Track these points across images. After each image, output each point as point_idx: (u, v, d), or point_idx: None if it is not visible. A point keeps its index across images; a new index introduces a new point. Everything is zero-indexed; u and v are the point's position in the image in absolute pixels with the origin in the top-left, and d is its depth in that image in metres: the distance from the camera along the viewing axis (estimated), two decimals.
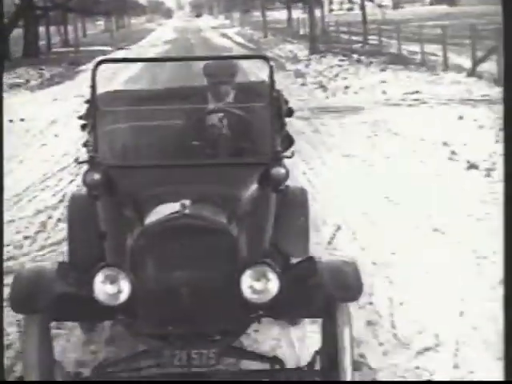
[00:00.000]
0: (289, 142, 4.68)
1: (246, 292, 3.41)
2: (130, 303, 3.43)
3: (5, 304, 3.70)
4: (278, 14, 68.80)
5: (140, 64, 24.61)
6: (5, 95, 17.85)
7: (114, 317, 3.56)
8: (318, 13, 40.46)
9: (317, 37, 31.92)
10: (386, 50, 27.06)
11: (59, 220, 7.46)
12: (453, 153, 9.62)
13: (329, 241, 6.54)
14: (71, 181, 9.27)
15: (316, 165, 9.72)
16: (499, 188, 7.58)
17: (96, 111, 4.24)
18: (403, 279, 5.55)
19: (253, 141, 4.44)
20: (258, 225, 3.89)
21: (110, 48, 41.20)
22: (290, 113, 4.92)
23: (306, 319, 4.53)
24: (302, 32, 43.12)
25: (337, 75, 20.73)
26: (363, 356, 4.26)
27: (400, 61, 23.00)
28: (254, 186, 4.00)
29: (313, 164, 9.73)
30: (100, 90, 4.42)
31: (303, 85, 19.10)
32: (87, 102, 4.58)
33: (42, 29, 41.88)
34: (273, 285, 3.42)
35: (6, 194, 8.39)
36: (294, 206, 4.50)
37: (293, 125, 5.01)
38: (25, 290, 3.49)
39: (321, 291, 3.47)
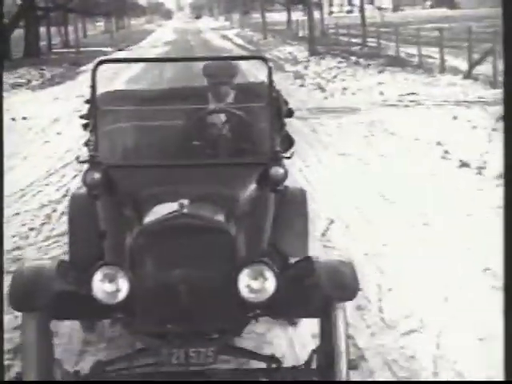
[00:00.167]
0: (289, 142, 4.70)
1: (244, 291, 3.42)
2: (128, 302, 3.42)
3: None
4: (278, 16, 68.89)
5: (141, 64, 24.78)
6: (6, 94, 18.09)
7: (112, 315, 3.55)
8: (317, 15, 40.66)
9: (316, 39, 32.07)
10: (384, 53, 27.09)
11: (63, 213, 7.55)
12: (446, 152, 9.82)
13: (322, 233, 6.72)
14: (74, 176, 9.39)
15: (312, 162, 9.87)
16: (489, 185, 7.86)
17: (96, 111, 4.25)
18: (393, 269, 5.72)
19: (252, 141, 4.46)
20: (256, 224, 3.90)
21: (110, 49, 41.26)
22: (290, 113, 4.94)
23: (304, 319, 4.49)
24: (301, 34, 43.13)
25: (335, 77, 20.88)
26: (351, 337, 4.33)
27: (398, 63, 23.09)
28: (253, 186, 4.02)
29: (309, 162, 9.87)
30: (101, 89, 4.44)
31: (302, 86, 19.27)
32: (87, 101, 4.59)
33: (42, 29, 42.05)
34: (270, 284, 3.42)
35: (11, 189, 8.63)
36: (293, 206, 4.49)
37: (292, 125, 5.19)
38: (24, 287, 3.47)
39: (318, 291, 3.47)
